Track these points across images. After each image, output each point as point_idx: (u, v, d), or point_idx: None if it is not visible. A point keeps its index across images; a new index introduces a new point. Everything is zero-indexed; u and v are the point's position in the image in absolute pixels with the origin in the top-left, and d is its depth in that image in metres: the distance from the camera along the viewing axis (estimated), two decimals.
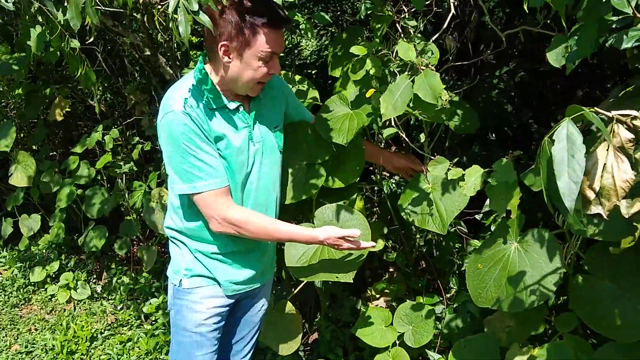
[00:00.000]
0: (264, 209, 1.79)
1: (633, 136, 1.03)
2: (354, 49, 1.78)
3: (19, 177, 3.40)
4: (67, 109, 3.47)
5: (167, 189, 1.97)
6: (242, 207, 1.72)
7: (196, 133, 1.57)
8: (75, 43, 2.11)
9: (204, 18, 1.38)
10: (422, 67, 1.58)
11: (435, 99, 1.53)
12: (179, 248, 1.81)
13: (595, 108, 1.03)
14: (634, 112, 1.03)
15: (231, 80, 1.64)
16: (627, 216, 1.08)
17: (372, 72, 1.73)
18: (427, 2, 1.79)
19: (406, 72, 1.61)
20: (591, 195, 1.07)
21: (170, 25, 1.39)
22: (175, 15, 1.36)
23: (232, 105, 1.67)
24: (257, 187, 1.76)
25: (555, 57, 1.22)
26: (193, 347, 1.82)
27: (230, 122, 1.67)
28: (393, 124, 2.02)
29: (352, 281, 1.78)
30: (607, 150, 1.04)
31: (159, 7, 1.97)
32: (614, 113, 1.04)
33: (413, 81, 1.56)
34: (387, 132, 1.65)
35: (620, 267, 1.60)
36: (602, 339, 1.71)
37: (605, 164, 1.04)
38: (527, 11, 1.32)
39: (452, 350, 1.93)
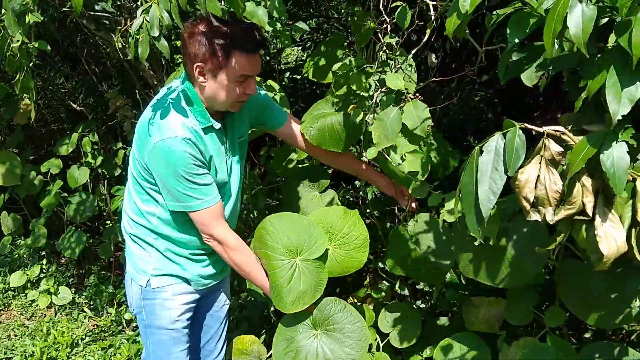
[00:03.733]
0: (236, 215, 1.89)
1: (562, 149, 1.10)
2: (336, 67, 1.80)
3: (5, 176, 3.36)
4: (34, 112, 3.42)
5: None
6: (234, 233, 1.78)
7: (195, 159, 1.61)
8: (37, 45, 2.06)
9: (163, 44, 1.40)
10: (410, 96, 1.61)
11: (422, 131, 1.56)
12: (143, 249, 1.82)
13: (525, 124, 1.11)
14: (562, 128, 1.11)
15: (208, 99, 1.66)
16: (551, 222, 1.15)
17: (355, 89, 1.75)
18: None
19: (391, 96, 1.64)
20: (527, 205, 1.15)
21: (130, 42, 1.39)
22: (137, 35, 1.37)
23: (217, 125, 1.69)
24: (234, 197, 1.84)
25: (527, 75, 1.27)
26: (170, 344, 1.85)
27: (215, 141, 1.70)
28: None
29: None
30: (540, 163, 1.12)
31: (119, 27, 1.98)
32: (545, 128, 1.12)
33: (401, 109, 1.59)
34: (370, 153, 1.67)
35: None
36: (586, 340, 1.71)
37: (538, 175, 1.12)
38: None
39: (439, 348, 1.91)
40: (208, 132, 1.68)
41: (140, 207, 1.77)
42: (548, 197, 1.09)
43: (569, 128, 1.07)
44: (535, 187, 1.09)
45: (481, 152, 1.07)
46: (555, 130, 1.09)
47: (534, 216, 1.13)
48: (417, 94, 1.60)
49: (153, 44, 1.43)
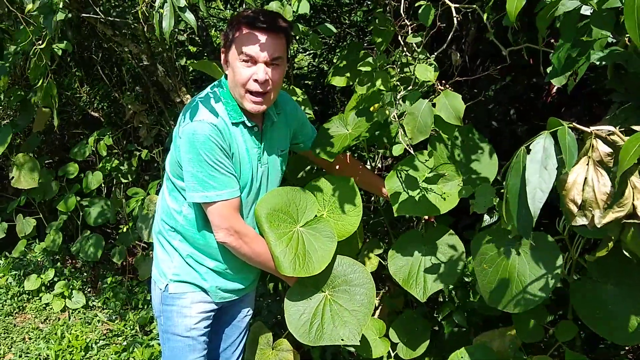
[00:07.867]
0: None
1: (611, 150, 1.07)
2: (362, 66, 1.81)
3: (23, 179, 3.37)
4: (51, 119, 3.43)
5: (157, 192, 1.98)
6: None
7: (217, 145, 1.60)
8: (62, 46, 2.05)
9: (189, 17, 1.38)
10: (440, 88, 1.57)
11: (458, 120, 1.50)
12: (166, 252, 1.83)
13: (574, 124, 1.07)
14: (611, 128, 1.08)
15: (230, 89, 1.68)
16: (599, 226, 1.12)
17: (379, 86, 1.75)
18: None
19: (417, 91, 1.62)
20: (574, 208, 1.12)
21: (154, 18, 1.36)
22: (161, 10, 1.34)
23: (250, 123, 1.70)
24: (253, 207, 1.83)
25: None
26: (186, 351, 1.84)
27: (244, 140, 1.71)
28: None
29: (358, 343, 1.73)
30: (588, 164, 1.09)
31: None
32: (592, 128, 1.09)
33: (432, 102, 1.55)
34: (396, 150, 1.65)
35: (623, 270, 1.59)
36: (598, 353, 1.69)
37: (586, 177, 1.09)
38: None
39: None
40: (239, 128, 1.69)
41: (169, 205, 1.79)
42: (596, 199, 1.06)
43: (617, 128, 1.06)
44: (583, 189, 1.07)
45: (528, 151, 1.06)
46: (603, 131, 1.06)
47: (580, 220, 1.10)
48: (447, 85, 1.58)
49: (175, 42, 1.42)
